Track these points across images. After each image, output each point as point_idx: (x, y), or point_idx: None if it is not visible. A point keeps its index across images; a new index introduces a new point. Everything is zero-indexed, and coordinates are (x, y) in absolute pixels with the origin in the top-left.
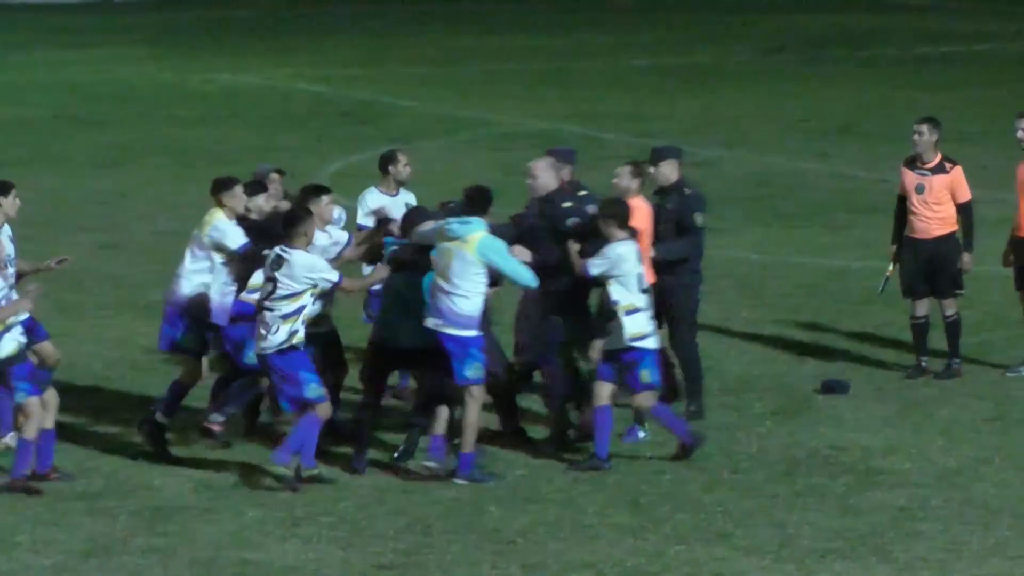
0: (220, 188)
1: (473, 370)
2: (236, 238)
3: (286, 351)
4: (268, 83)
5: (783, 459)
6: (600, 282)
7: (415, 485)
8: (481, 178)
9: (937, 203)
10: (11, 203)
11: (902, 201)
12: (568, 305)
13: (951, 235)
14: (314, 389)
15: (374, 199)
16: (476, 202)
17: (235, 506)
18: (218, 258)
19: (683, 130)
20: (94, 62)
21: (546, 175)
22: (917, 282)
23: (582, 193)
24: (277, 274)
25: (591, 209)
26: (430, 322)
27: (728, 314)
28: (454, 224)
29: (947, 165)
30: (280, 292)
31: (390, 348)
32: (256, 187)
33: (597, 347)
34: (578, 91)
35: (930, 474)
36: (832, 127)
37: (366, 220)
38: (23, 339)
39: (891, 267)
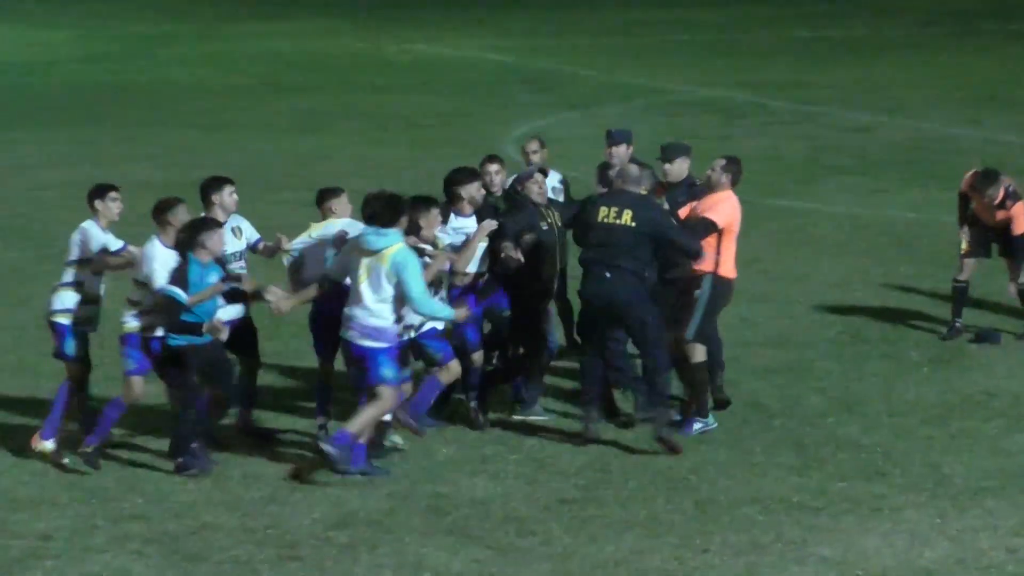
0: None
1: (388, 370)
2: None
3: None
4: (458, 53)
5: (938, 404)
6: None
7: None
8: (655, 143)
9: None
10: (227, 198)
11: (964, 199)
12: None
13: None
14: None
15: None
16: (388, 212)
17: (427, 445)
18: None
19: (842, 97)
20: (297, 34)
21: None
22: (976, 246)
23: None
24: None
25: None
26: (348, 333)
27: (887, 269)
28: (371, 236)
29: (1008, 203)
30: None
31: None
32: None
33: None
34: (744, 60)
35: None
36: (983, 95)
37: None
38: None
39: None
